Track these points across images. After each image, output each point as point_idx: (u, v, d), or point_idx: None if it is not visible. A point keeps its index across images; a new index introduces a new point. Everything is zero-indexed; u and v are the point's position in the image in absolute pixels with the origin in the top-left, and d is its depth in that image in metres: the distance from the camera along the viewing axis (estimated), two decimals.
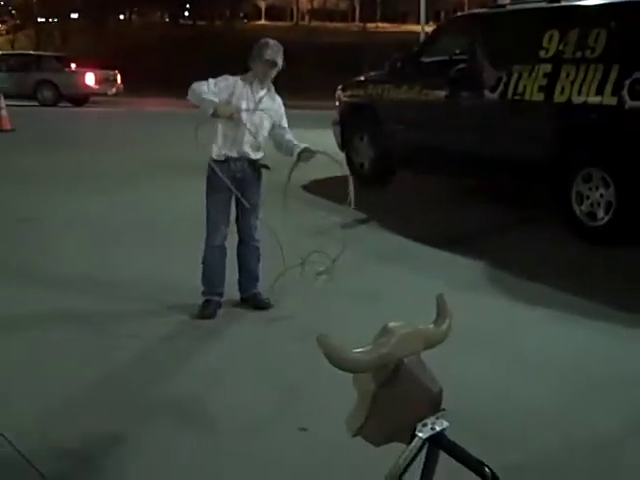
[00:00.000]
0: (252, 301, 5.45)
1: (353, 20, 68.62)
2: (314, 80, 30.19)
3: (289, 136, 5.24)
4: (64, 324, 5.12)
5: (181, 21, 67.24)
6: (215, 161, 5.14)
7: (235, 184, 5.14)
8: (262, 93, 5.17)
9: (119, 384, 4.26)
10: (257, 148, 5.20)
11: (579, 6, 7.85)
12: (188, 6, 67.43)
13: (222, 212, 5.23)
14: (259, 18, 69.84)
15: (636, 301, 5.66)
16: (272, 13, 71.35)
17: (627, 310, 5.45)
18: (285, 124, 5.30)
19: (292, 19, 70.12)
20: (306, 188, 9.86)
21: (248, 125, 5.08)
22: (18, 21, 61.96)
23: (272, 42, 5.14)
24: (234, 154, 5.13)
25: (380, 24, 63.18)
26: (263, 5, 70.96)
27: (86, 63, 27.40)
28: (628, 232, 7.11)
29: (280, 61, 5.12)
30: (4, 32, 65.67)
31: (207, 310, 5.25)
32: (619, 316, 5.34)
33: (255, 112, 5.11)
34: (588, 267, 6.61)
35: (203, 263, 5.32)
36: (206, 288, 5.32)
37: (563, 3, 7.93)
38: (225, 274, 5.36)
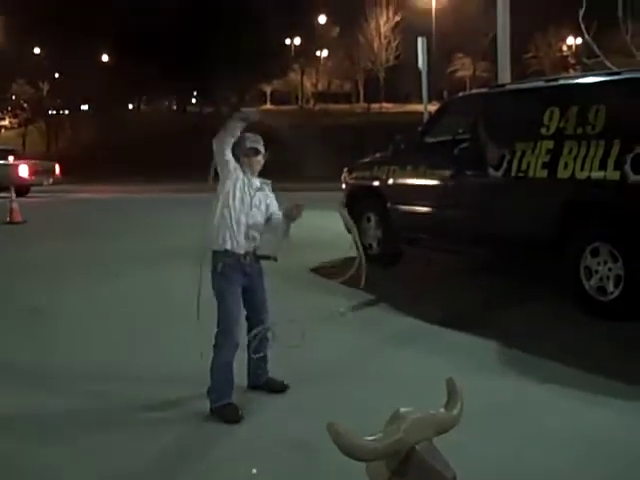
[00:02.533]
0: (265, 386, 5.32)
1: (357, 101, 69.81)
2: (319, 161, 30.54)
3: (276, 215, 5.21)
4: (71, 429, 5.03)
5: (188, 108, 68.57)
6: (226, 256, 4.99)
7: (246, 280, 5.07)
8: (257, 183, 5.16)
9: None
10: (258, 241, 5.16)
11: (577, 84, 8.00)
12: (195, 93, 68.83)
13: (239, 306, 5.08)
14: (264, 103, 71.09)
15: None
16: (277, 97, 72.68)
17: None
18: (278, 211, 5.23)
19: (297, 103, 71.38)
20: (315, 270, 9.89)
21: (250, 221, 5.05)
22: (29, 115, 63.21)
23: (248, 134, 5.14)
24: (242, 250, 5.03)
25: (384, 104, 64.23)
26: (268, 90, 72.32)
27: (28, 156, 28.69)
28: (639, 306, 7.07)
29: (261, 148, 5.11)
30: (16, 125, 66.99)
31: (233, 415, 4.90)
32: (630, 392, 5.28)
33: (253, 206, 5.09)
34: (598, 343, 6.56)
35: (217, 368, 4.98)
36: (220, 392, 4.99)
37: (561, 82, 8.08)
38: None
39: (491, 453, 4.33)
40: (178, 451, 4.54)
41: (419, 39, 18.96)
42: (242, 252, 5.02)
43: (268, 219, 5.18)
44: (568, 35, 59.40)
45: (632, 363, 5.95)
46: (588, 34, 14.27)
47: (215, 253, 5.02)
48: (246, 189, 5.06)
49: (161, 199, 24.56)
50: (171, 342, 6.71)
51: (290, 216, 5.07)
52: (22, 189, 26.86)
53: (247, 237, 5.04)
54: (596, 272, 7.31)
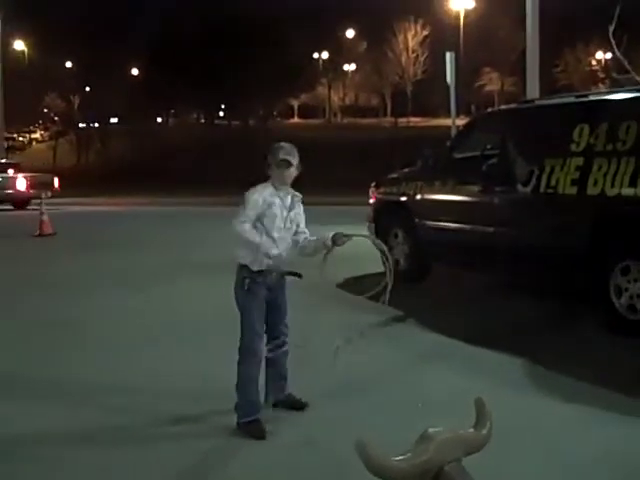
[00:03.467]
0: (285, 403, 5.24)
1: (385, 115, 69.88)
2: (346, 176, 30.55)
3: (308, 236, 5.18)
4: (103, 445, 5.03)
5: (216, 121, 69.01)
6: (252, 272, 4.95)
7: (269, 294, 5.03)
8: (289, 200, 5.07)
9: None
10: (287, 259, 5.12)
11: (608, 100, 7.95)
12: (223, 106, 69.27)
13: (262, 322, 5.03)
14: (292, 116, 71.41)
15: None
16: (305, 111, 72.96)
17: None
18: (305, 227, 5.22)
19: (324, 116, 71.59)
20: (340, 286, 9.89)
21: (280, 240, 5.01)
22: (60, 128, 63.96)
23: (284, 144, 5.07)
24: (267, 266, 4.99)
25: (412, 118, 64.24)
26: (296, 104, 72.64)
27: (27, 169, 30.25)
28: None
29: (295, 161, 5.01)
30: (47, 138, 67.83)
31: (259, 432, 4.84)
32: None
33: (286, 227, 5.04)
34: (629, 363, 6.48)
35: (243, 382, 4.95)
36: (246, 408, 4.94)
37: (591, 97, 8.04)
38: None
39: (519, 472, 4.30)
40: (201, 466, 4.54)
41: (447, 54, 18.98)
42: (268, 268, 4.98)
43: (295, 233, 5.15)
44: (597, 50, 59.14)
45: None
46: (618, 49, 14.19)
47: (241, 267, 4.99)
48: (278, 211, 4.98)
49: (191, 212, 24.70)
50: (200, 355, 6.75)
51: (336, 243, 5.02)
52: (20, 202, 28.06)
53: (275, 254, 4.98)
54: (626, 290, 7.25)
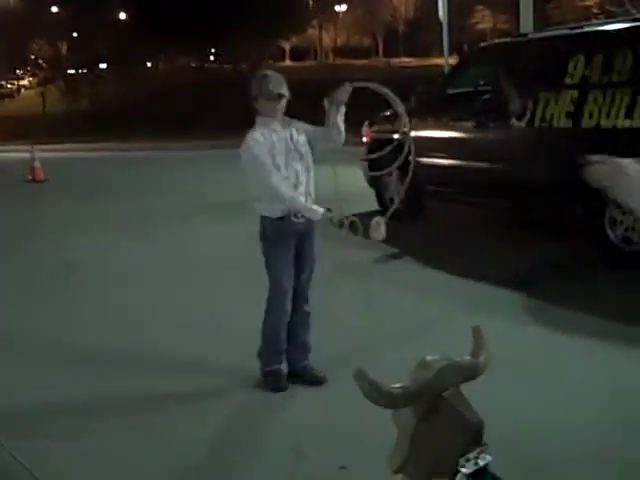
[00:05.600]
0: (303, 375, 4.92)
1: (377, 56, 69.13)
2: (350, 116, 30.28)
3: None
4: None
5: (207, 66, 68.21)
6: (273, 220, 4.68)
7: (297, 241, 4.74)
8: (287, 132, 4.72)
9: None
10: (311, 193, 4.79)
11: (603, 31, 7.83)
12: (214, 51, 68.43)
13: (290, 275, 4.75)
14: (284, 59, 70.60)
15: None
16: (296, 53, 72.13)
17: None
18: (318, 130, 4.81)
19: (316, 58, 70.81)
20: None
21: (301, 176, 4.69)
22: (48, 74, 63.20)
23: (270, 72, 4.78)
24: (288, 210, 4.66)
25: (404, 59, 63.59)
26: (287, 46, 71.75)
27: None
28: None
29: (287, 92, 4.66)
30: (35, 85, 67.04)
31: (279, 382, 4.82)
32: None
33: (295, 157, 4.68)
34: (625, 294, 6.50)
35: (267, 333, 4.84)
36: (270, 358, 4.88)
37: (586, 29, 7.91)
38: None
39: (517, 400, 4.33)
40: (226, 420, 4.48)
41: None
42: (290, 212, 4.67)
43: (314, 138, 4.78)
44: None
45: None
46: None
47: (262, 218, 4.75)
48: (282, 146, 4.65)
49: (183, 156, 24.55)
50: (220, 297, 6.78)
51: (333, 100, 4.60)
52: None
53: (297, 190, 4.67)
54: (621, 222, 7.23)
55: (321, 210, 4.64)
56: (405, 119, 4.91)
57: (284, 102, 4.69)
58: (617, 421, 4.09)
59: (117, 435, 4.31)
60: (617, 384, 4.57)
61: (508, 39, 9.59)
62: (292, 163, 4.67)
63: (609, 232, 7.31)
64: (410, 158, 4.81)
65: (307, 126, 4.84)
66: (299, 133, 4.76)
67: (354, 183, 5.35)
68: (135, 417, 4.57)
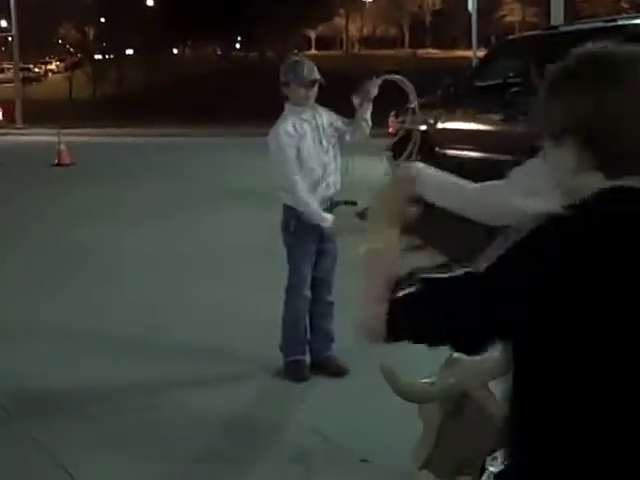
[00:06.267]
0: (326, 366, 4.86)
1: (402, 46, 68.90)
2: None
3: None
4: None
5: (233, 54, 68.24)
6: (299, 213, 4.62)
7: (320, 233, 4.67)
8: (318, 119, 4.66)
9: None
10: (337, 184, 4.76)
11: (637, 24, 7.72)
12: (240, 39, 68.47)
13: (310, 265, 4.72)
14: (309, 48, 70.47)
15: None
16: (322, 43, 71.95)
17: None
18: (347, 122, 4.75)
19: (342, 48, 70.66)
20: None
21: (328, 167, 4.65)
22: (75, 59, 63.52)
23: (303, 59, 4.75)
24: (317, 199, 4.63)
25: (431, 50, 63.33)
26: (313, 35, 71.58)
27: None
28: None
29: (320, 77, 4.61)
30: (62, 70, 67.40)
31: (301, 372, 4.78)
32: None
33: (324, 148, 4.64)
34: None
35: (288, 322, 4.81)
36: (292, 348, 4.83)
37: (620, 22, 7.80)
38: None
39: None
40: (246, 409, 4.48)
41: None
42: (319, 200, 4.64)
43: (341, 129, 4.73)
44: None
45: None
46: None
47: (286, 208, 4.71)
48: (311, 137, 4.61)
49: (207, 142, 24.59)
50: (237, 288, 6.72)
51: (363, 95, 4.58)
52: None
53: (322, 183, 4.65)
54: None
55: (330, 219, 4.59)
56: (420, 116, 4.87)
57: (316, 89, 4.62)
58: None
59: (135, 417, 4.33)
60: None
61: (539, 31, 9.48)
62: (321, 154, 4.63)
63: None
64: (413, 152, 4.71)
65: (336, 117, 4.78)
66: (329, 123, 4.71)
67: (373, 175, 5.22)
68: (151, 399, 4.60)
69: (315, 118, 4.66)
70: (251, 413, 4.42)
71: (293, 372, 4.81)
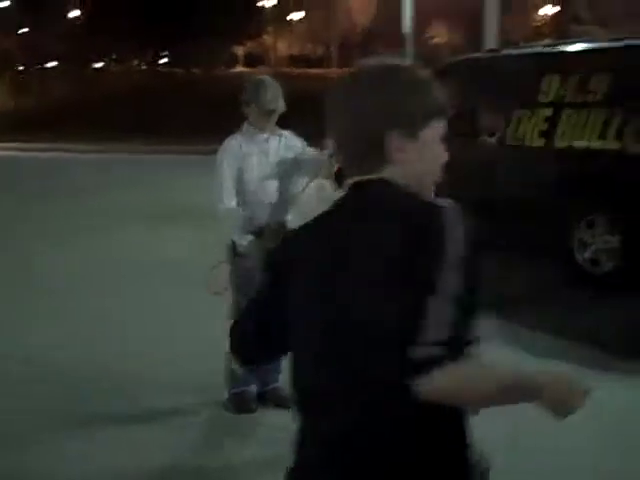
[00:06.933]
0: (272, 397, 4.61)
1: (329, 66, 69.28)
2: (302, 127, 30.11)
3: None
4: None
5: (158, 68, 67.54)
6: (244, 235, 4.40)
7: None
8: (272, 144, 4.46)
9: None
10: (282, 213, 4.51)
11: (579, 51, 7.78)
12: (165, 54, 67.89)
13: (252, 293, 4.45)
14: (237, 65, 70.24)
15: None
16: (250, 60, 71.83)
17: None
18: (313, 153, 4.52)
19: (270, 65, 70.59)
20: None
21: (274, 193, 4.42)
22: None
23: (267, 79, 4.47)
24: (264, 223, 4.41)
25: None
26: (241, 52, 71.43)
27: None
28: (633, 278, 6.92)
29: (281, 104, 4.38)
30: None
31: (247, 404, 4.54)
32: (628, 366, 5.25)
33: (273, 174, 4.42)
34: (588, 314, 6.41)
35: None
36: (237, 379, 4.51)
37: (561, 48, 7.86)
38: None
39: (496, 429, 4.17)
40: (190, 443, 4.28)
41: (407, 1, 18.40)
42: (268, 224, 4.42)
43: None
44: (543, 4, 59.22)
45: (625, 336, 5.90)
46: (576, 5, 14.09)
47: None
48: (256, 160, 4.39)
49: (134, 159, 24.08)
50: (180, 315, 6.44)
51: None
52: None
53: (261, 208, 4.43)
54: (590, 244, 7.15)
55: (248, 239, 4.37)
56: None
57: (276, 115, 4.43)
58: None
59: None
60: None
61: (479, 54, 9.50)
62: (266, 180, 4.41)
63: (578, 254, 7.23)
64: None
65: (302, 145, 4.56)
66: (286, 149, 4.49)
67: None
68: (86, 434, 4.30)
69: (268, 142, 4.47)
70: (193, 450, 4.18)
71: (237, 404, 4.57)
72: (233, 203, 4.37)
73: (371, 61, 1.67)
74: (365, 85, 1.61)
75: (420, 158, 1.61)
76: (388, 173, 1.59)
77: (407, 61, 1.73)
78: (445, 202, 1.54)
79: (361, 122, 1.59)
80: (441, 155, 1.66)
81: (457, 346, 1.48)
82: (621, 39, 7.63)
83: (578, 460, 3.92)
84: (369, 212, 1.58)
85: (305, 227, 1.70)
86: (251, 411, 4.55)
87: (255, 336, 1.76)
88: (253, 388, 4.63)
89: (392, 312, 1.46)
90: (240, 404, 4.56)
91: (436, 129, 1.62)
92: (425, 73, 1.65)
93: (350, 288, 1.52)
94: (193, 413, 4.60)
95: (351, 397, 1.53)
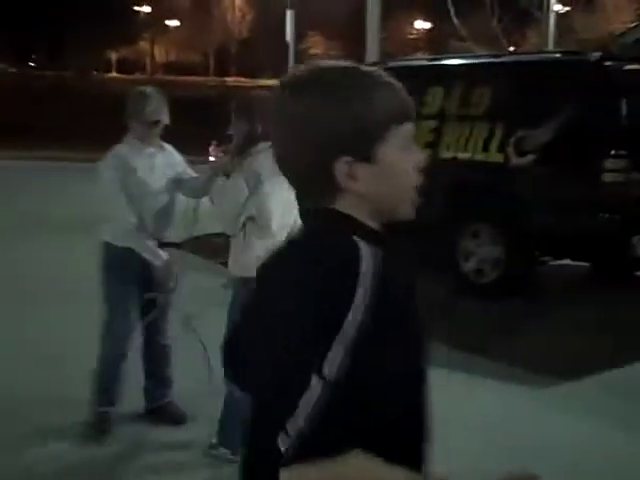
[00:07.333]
0: (164, 413, 4.44)
1: (207, 74, 68.77)
2: (181, 135, 29.61)
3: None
4: None
5: (27, 71, 65.18)
6: (115, 248, 4.16)
7: (144, 277, 4.17)
8: (158, 159, 4.25)
9: None
10: (167, 226, 4.31)
11: (463, 64, 7.94)
12: (34, 56, 65.65)
13: (126, 306, 4.25)
14: (110, 70, 68.71)
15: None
16: (125, 65, 70.33)
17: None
18: (192, 173, 4.37)
19: (145, 72, 69.41)
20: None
21: (152, 214, 4.20)
22: None
23: (149, 91, 4.20)
24: (140, 241, 4.15)
25: (242, 78, 63.57)
26: (114, 57, 69.82)
27: None
28: (516, 287, 7.10)
29: (166, 117, 4.18)
30: None
31: (104, 425, 4.27)
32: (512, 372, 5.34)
33: (156, 189, 4.20)
34: (476, 323, 6.53)
35: (97, 367, 4.27)
36: (99, 398, 4.29)
37: (444, 61, 8.00)
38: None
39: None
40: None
41: (288, 12, 18.48)
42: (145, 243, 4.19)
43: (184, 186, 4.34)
44: (417, 19, 60.71)
45: (510, 342, 6.01)
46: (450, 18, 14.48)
47: (105, 244, 4.22)
48: (144, 174, 4.17)
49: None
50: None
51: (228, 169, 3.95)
52: None
53: (150, 224, 4.23)
54: (474, 254, 7.29)
55: (162, 255, 4.15)
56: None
57: (160, 128, 4.21)
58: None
59: None
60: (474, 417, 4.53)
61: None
62: (150, 195, 4.19)
63: (462, 264, 7.36)
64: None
65: (183, 164, 4.41)
66: (169, 165, 4.31)
67: None
68: None
69: (155, 157, 4.27)
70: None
71: (97, 425, 4.27)
72: (133, 220, 4.12)
73: (303, 70, 1.37)
74: (299, 105, 1.31)
75: (379, 181, 1.34)
76: (340, 204, 1.34)
77: (342, 64, 1.36)
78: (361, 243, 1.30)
79: (302, 153, 1.32)
80: (408, 170, 1.38)
81: (345, 436, 1.20)
82: (500, 55, 7.87)
83: None
84: (289, 254, 1.35)
85: (265, 261, 1.41)
86: (104, 433, 4.25)
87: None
88: (112, 409, 4.34)
89: (272, 385, 1.24)
90: (98, 425, 4.27)
91: (396, 139, 1.34)
92: (369, 75, 1.39)
93: (257, 344, 1.32)
94: (58, 433, 4.29)
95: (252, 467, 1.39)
